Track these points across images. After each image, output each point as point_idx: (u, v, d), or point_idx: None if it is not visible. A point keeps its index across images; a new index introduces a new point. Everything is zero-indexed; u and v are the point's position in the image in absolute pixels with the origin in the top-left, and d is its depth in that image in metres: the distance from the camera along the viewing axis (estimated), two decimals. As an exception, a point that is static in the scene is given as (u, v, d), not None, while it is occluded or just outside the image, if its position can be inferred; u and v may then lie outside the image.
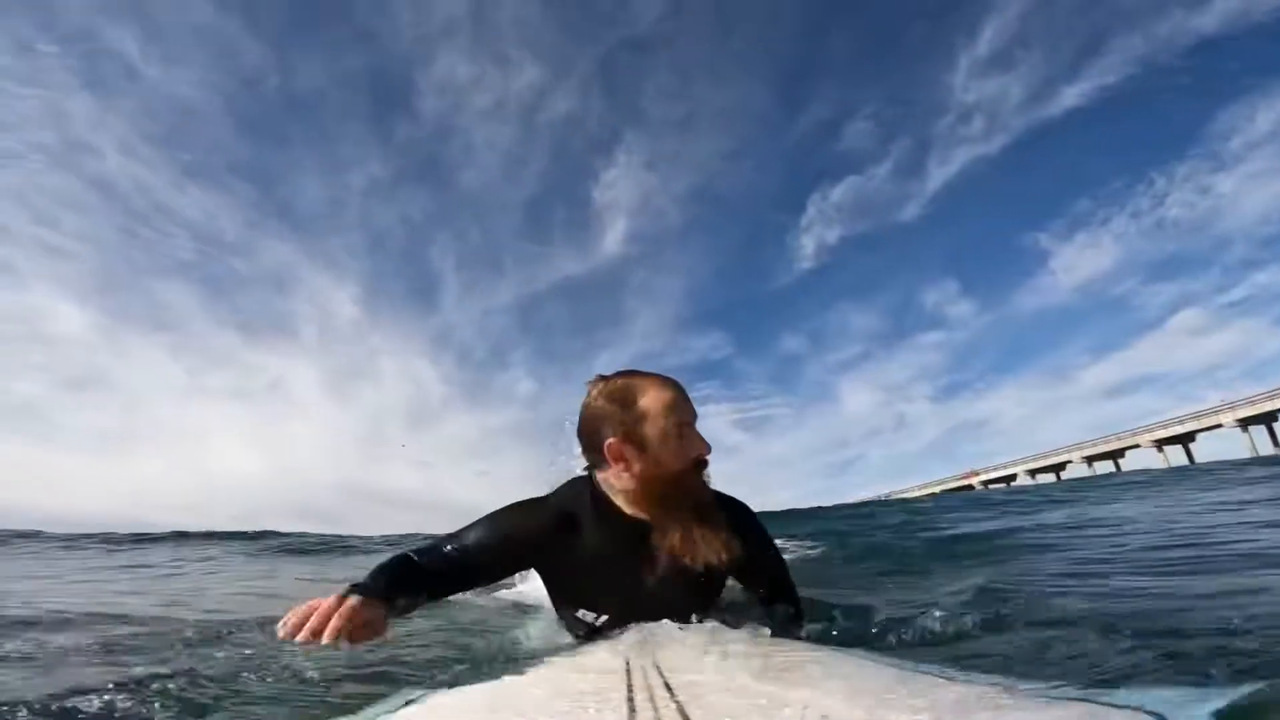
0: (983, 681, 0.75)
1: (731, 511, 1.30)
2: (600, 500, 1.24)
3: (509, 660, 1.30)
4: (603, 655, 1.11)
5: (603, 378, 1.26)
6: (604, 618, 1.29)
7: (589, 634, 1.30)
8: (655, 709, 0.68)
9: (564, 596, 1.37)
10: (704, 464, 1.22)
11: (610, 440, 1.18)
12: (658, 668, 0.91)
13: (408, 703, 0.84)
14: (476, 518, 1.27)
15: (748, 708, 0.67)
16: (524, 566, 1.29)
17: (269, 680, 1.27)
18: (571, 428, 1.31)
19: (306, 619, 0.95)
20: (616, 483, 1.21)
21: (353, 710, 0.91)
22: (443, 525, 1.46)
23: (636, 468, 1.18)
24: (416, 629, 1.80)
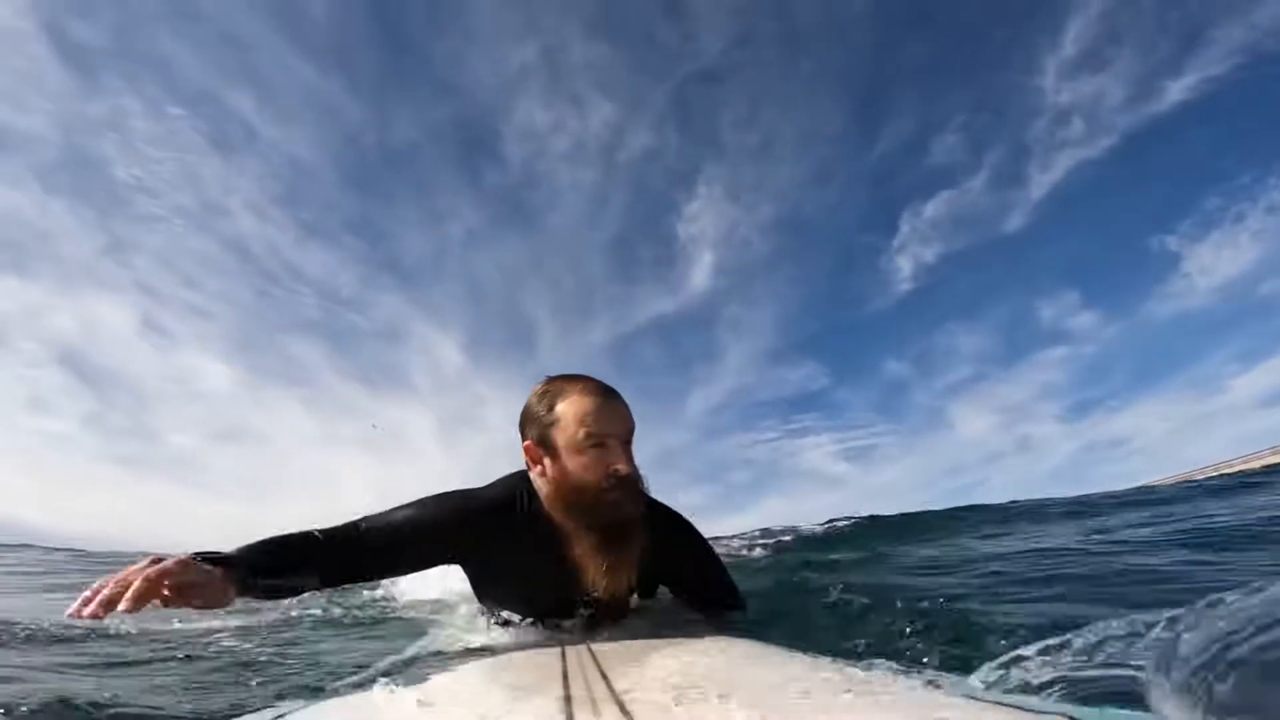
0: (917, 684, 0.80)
1: (661, 530, 1.27)
2: (530, 498, 1.22)
3: (440, 655, 1.28)
4: (538, 647, 1.12)
5: (548, 379, 1.24)
6: (524, 620, 1.32)
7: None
8: (592, 698, 0.69)
9: (484, 593, 1.38)
10: (623, 481, 1.14)
11: (526, 441, 1.19)
12: (592, 654, 0.93)
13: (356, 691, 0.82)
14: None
15: (686, 692, 0.69)
16: (443, 561, 1.25)
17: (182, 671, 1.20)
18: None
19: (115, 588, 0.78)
20: (539, 483, 1.21)
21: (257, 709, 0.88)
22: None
23: (549, 472, 1.17)
24: (336, 629, 1.74)
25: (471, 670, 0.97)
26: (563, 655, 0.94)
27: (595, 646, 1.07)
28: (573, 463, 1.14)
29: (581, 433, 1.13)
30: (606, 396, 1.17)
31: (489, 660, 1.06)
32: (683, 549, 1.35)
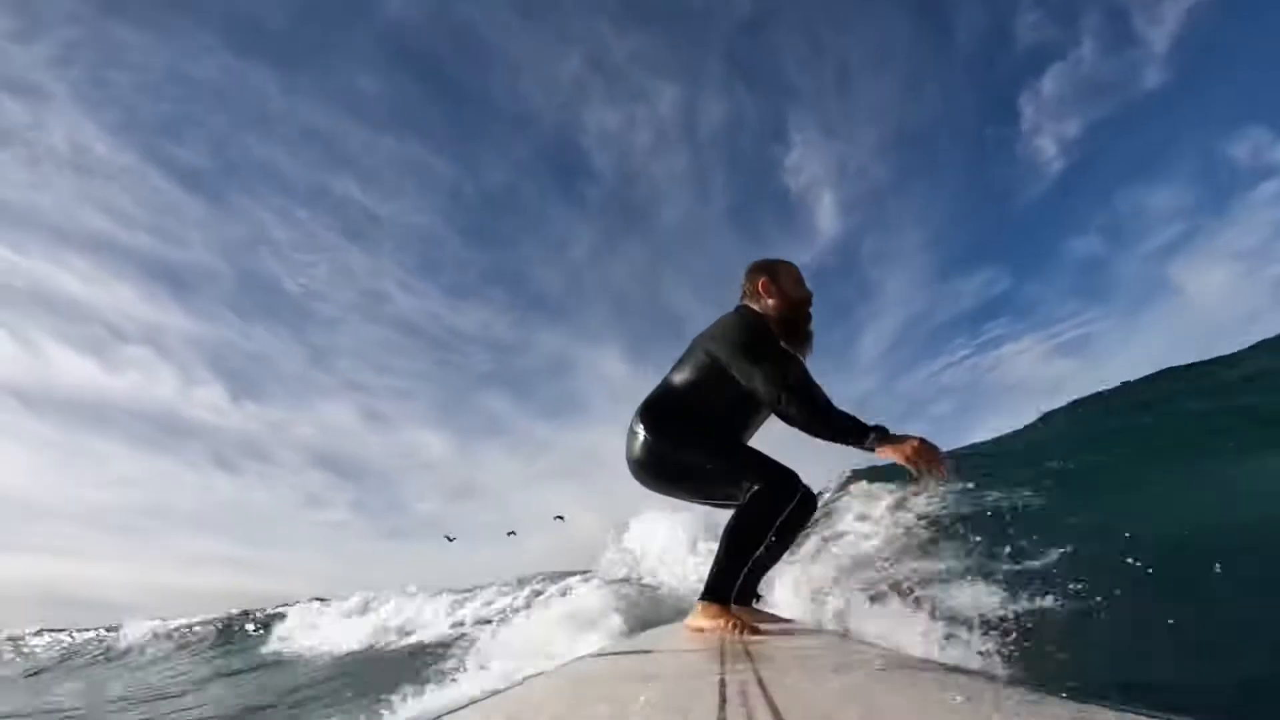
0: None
1: None
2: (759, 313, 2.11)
3: (599, 655, 1.37)
4: (698, 651, 1.16)
5: (763, 258, 2.20)
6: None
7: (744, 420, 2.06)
8: (746, 700, 0.72)
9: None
10: (810, 300, 2.13)
11: (762, 279, 2.10)
12: (748, 653, 0.95)
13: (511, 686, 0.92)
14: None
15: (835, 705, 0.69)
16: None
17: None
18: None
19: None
20: (763, 306, 2.09)
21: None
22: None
23: (775, 297, 2.07)
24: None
25: (629, 667, 1.04)
26: (720, 654, 0.98)
27: (751, 646, 1.09)
28: (794, 292, 2.10)
29: (793, 279, 2.13)
30: (799, 271, 2.17)
31: (646, 659, 1.12)
32: None
